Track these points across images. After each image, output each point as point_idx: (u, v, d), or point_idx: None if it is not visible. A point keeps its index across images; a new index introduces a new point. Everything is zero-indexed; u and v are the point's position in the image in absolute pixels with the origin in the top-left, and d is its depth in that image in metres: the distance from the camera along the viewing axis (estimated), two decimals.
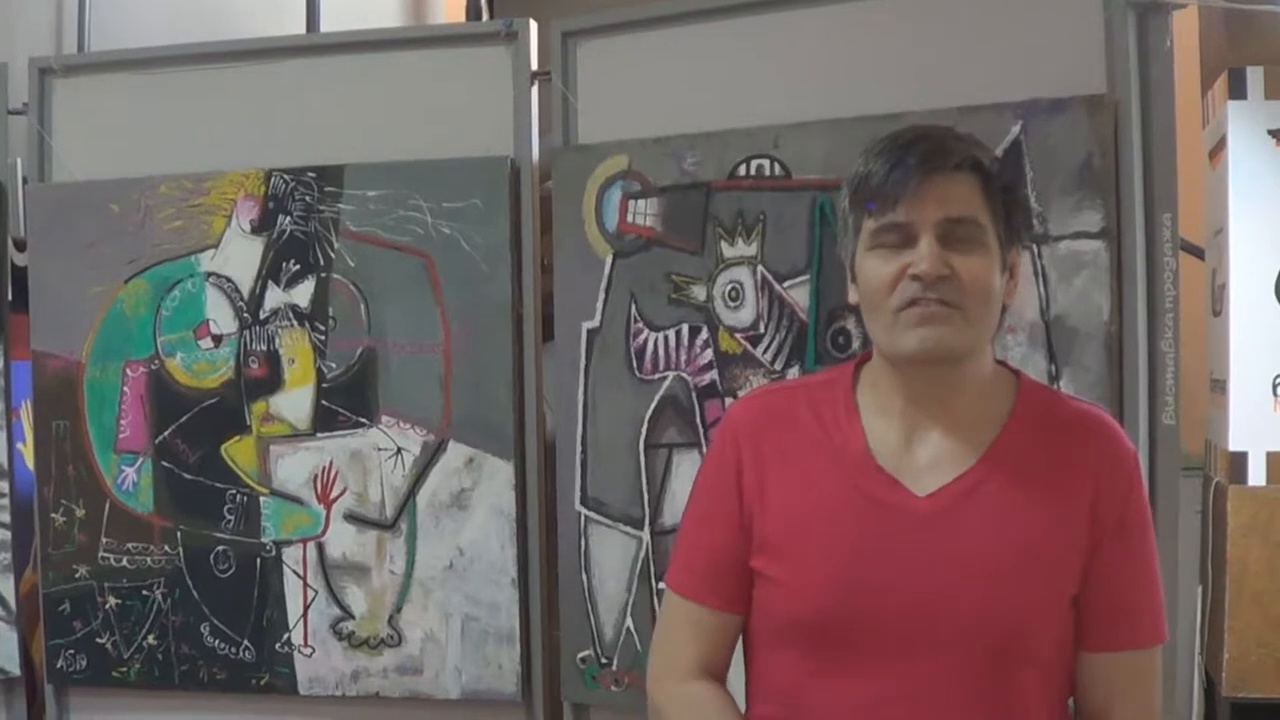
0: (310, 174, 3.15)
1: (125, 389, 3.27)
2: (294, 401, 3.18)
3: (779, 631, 1.89)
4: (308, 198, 3.15)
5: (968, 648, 1.77)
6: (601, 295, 2.99)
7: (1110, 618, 1.83)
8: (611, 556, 2.99)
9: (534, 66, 3.12)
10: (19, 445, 3.40)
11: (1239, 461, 3.64)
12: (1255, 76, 3.63)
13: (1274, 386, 3.62)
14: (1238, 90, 3.65)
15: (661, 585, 2.06)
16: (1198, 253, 4.09)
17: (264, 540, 3.20)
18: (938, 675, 1.77)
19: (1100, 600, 1.82)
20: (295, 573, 3.18)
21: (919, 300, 1.75)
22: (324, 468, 3.16)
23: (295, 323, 3.17)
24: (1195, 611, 3.95)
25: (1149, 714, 1.87)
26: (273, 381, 3.19)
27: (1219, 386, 3.80)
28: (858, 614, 1.79)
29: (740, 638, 2.00)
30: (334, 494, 3.16)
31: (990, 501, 1.80)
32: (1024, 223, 1.94)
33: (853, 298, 1.89)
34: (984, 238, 1.78)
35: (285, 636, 3.20)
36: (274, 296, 3.18)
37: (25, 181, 3.39)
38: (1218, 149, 3.79)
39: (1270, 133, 3.64)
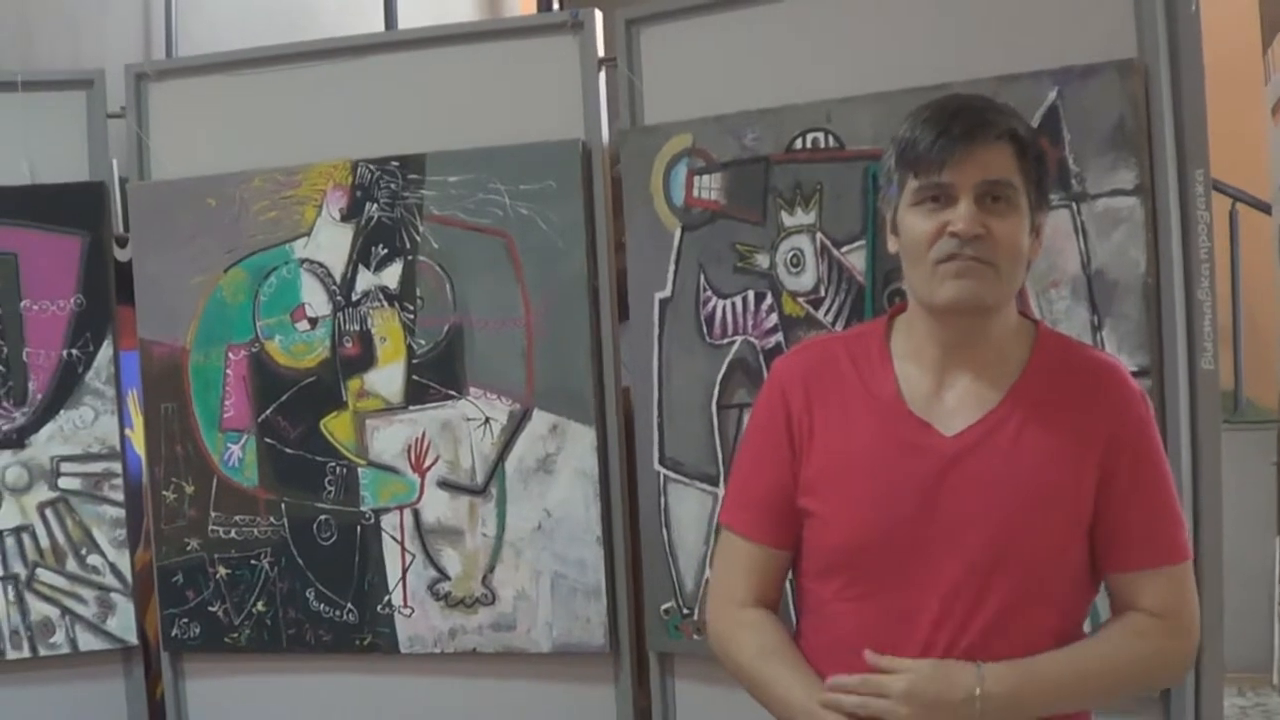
0: (394, 163, 3.29)
1: (228, 371, 3.42)
2: (386, 377, 3.32)
3: (824, 561, 2.04)
4: (392, 185, 3.29)
5: (991, 568, 1.91)
6: (671, 266, 3.11)
7: (1133, 540, 1.97)
8: (689, 512, 3.10)
9: (600, 54, 3.25)
10: (127, 431, 3.55)
11: None
12: None
13: None
14: None
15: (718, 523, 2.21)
16: (1264, 208, 4.12)
17: (363, 509, 3.34)
18: (963, 591, 1.91)
19: (1121, 526, 1.96)
20: (393, 538, 3.33)
21: (956, 255, 1.91)
22: (417, 439, 3.30)
23: (385, 303, 3.31)
24: (1275, 562, 4.02)
25: (1180, 603, 1.98)
26: (366, 359, 3.33)
27: None
28: (893, 542, 1.95)
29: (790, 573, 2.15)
30: (427, 463, 3.30)
31: (1012, 437, 1.95)
32: (1050, 188, 2.08)
33: (892, 247, 2.04)
34: (1017, 199, 1.93)
35: (386, 599, 3.34)
36: (364, 279, 3.32)
37: (123, 181, 3.53)
38: None
39: None
